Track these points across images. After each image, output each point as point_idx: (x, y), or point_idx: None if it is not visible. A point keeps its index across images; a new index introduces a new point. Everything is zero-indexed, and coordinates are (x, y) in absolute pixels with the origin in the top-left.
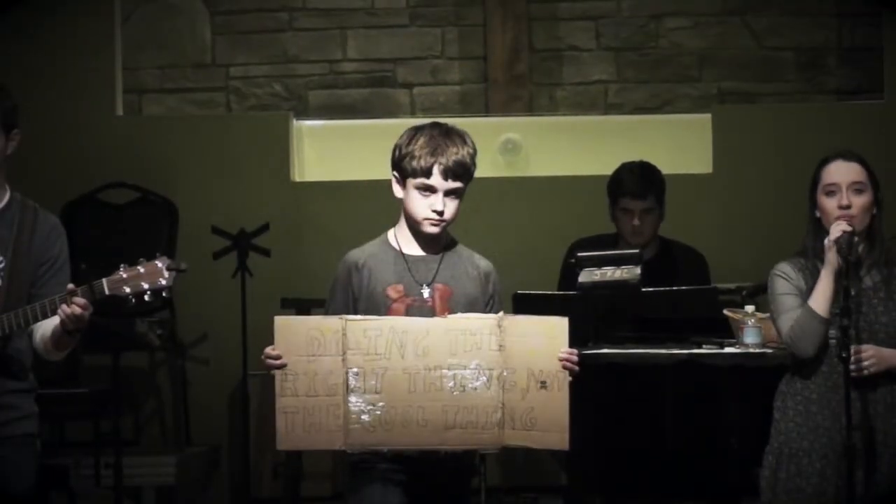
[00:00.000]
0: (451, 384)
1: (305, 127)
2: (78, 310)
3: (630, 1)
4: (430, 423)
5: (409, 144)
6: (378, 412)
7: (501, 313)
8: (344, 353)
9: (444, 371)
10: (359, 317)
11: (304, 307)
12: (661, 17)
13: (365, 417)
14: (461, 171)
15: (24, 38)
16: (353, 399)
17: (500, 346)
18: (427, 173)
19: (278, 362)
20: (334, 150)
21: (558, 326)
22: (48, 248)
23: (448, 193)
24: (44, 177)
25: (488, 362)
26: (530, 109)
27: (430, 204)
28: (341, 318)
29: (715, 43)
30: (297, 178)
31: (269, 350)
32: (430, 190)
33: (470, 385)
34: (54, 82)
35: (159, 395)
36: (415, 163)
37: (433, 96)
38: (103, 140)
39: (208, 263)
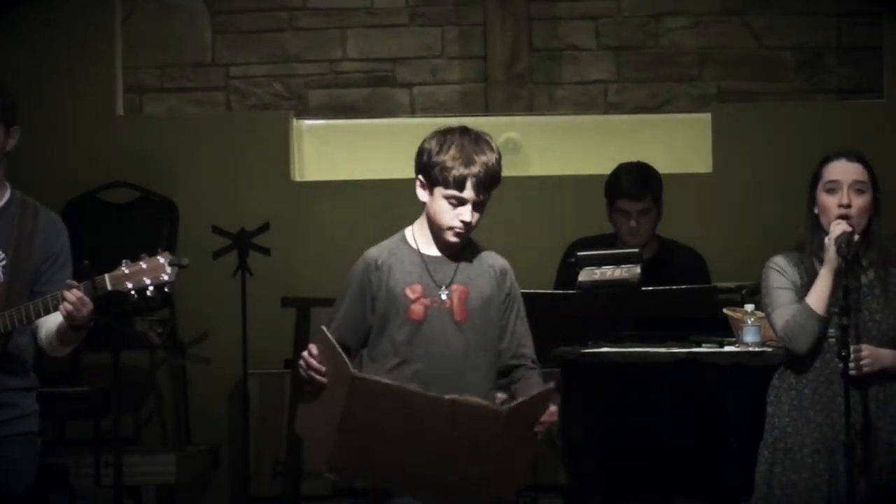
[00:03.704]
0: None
1: (305, 126)
2: (69, 304)
3: (629, 0)
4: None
5: (439, 153)
6: (366, 456)
7: (507, 407)
8: (346, 400)
9: (437, 445)
10: (369, 377)
11: (304, 307)
12: (660, 17)
13: (353, 456)
14: (492, 183)
15: (25, 37)
16: (346, 437)
17: (498, 436)
18: (460, 186)
19: (319, 378)
20: (334, 150)
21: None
22: (50, 244)
23: (477, 205)
24: (44, 176)
25: (484, 448)
26: (530, 109)
27: (457, 214)
28: (352, 374)
29: (714, 42)
30: (298, 178)
31: (313, 362)
32: (461, 202)
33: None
34: (55, 82)
35: (159, 394)
36: (447, 174)
37: (433, 96)
38: (104, 140)
39: (208, 263)
